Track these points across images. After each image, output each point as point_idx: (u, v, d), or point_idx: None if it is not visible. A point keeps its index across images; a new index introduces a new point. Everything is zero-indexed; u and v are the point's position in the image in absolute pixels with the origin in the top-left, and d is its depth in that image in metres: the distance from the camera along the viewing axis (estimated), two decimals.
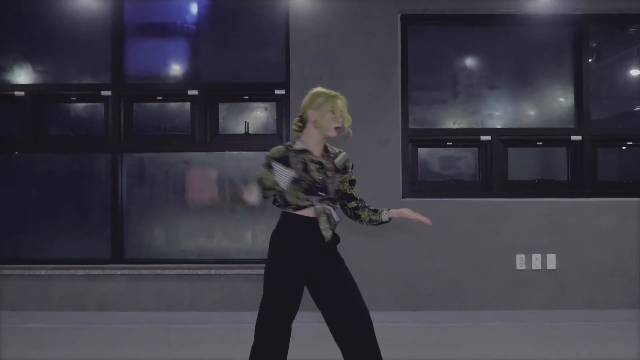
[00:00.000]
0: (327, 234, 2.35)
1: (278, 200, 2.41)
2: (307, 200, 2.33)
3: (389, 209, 2.45)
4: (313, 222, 2.36)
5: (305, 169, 2.35)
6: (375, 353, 2.37)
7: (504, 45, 4.59)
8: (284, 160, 2.37)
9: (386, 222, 2.46)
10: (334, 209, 2.41)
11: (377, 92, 4.33)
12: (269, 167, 2.39)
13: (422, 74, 4.56)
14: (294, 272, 2.35)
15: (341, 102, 2.42)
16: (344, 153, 2.50)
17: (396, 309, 4.27)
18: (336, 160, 2.44)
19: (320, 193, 2.36)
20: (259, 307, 2.39)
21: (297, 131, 2.46)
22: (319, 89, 2.47)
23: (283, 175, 2.36)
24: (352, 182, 2.49)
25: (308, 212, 2.35)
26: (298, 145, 2.40)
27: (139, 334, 4.05)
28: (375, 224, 2.47)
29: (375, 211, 2.45)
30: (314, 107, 2.41)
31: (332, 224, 2.38)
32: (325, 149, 2.46)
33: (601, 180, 4.50)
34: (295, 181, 2.33)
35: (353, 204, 2.48)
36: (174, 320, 4.27)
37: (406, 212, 2.45)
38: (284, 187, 2.35)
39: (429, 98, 4.60)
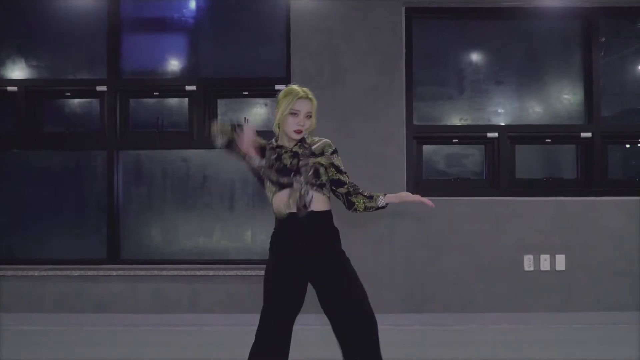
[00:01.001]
0: (286, 208, 2.29)
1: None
2: (281, 179, 2.30)
3: (385, 194, 2.35)
4: (301, 218, 2.30)
5: (278, 158, 2.33)
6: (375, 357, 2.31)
7: (511, 39, 4.49)
8: (262, 150, 2.37)
9: (382, 207, 2.36)
10: (313, 193, 2.32)
11: (381, 87, 4.22)
12: (263, 152, 2.41)
13: (427, 68, 4.46)
14: (290, 274, 2.31)
15: (305, 103, 2.32)
16: (324, 140, 2.41)
17: (400, 311, 4.18)
18: (314, 147, 2.36)
19: (292, 174, 2.30)
20: (259, 309, 2.35)
21: (276, 131, 2.43)
22: (290, 86, 2.40)
23: (255, 160, 2.36)
24: (337, 168, 2.38)
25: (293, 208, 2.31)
26: (275, 142, 2.41)
27: (136, 337, 3.97)
28: (371, 211, 2.38)
29: (370, 197, 2.35)
30: (277, 107, 2.37)
31: (302, 201, 2.28)
32: (303, 141, 2.38)
33: (611, 179, 4.40)
34: (269, 166, 2.33)
35: (343, 189, 2.37)
36: (171, 323, 4.18)
37: (405, 195, 2.35)
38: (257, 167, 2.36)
39: (434, 94, 4.50)
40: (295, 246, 2.32)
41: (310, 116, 2.35)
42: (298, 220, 2.29)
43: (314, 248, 2.32)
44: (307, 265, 2.32)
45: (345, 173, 2.40)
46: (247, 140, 2.30)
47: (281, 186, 2.32)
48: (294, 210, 2.29)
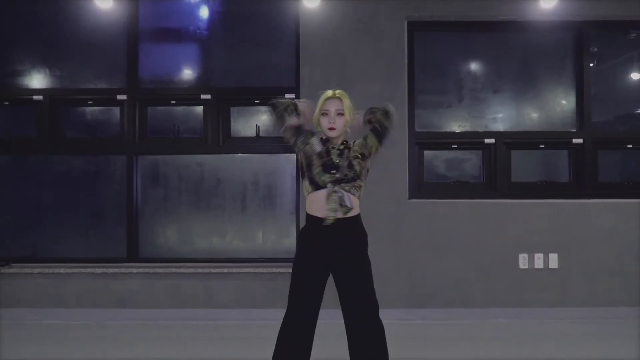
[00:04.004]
0: (330, 214, 2.43)
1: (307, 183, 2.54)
2: (323, 177, 2.47)
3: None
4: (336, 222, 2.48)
5: (327, 152, 2.50)
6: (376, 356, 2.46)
7: (508, 50, 4.69)
8: (317, 138, 2.56)
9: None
10: (350, 194, 2.46)
11: (385, 96, 4.40)
12: (309, 135, 2.56)
13: (428, 78, 4.65)
14: (311, 260, 2.48)
15: (334, 102, 2.50)
16: (360, 139, 2.59)
17: (404, 307, 4.37)
18: (354, 148, 2.55)
19: (332, 171, 2.47)
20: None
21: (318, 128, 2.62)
22: (325, 90, 2.61)
23: (316, 145, 2.53)
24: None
25: (324, 211, 2.47)
26: (323, 136, 2.58)
27: (155, 331, 4.14)
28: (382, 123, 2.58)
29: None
30: (315, 117, 2.58)
31: (343, 207, 2.44)
32: (345, 142, 2.58)
33: (602, 182, 4.60)
34: (318, 154, 2.50)
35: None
36: (188, 317, 4.37)
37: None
38: (315, 153, 2.51)
39: (435, 102, 4.70)
40: (324, 245, 2.48)
41: (342, 114, 2.52)
42: (333, 223, 2.46)
43: (341, 250, 2.48)
44: (330, 262, 2.49)
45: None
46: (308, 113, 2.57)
47: (317, 186, 2.48)
48: (339, 215, 2.45)
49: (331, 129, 2.50)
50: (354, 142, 2.60)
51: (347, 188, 2.47)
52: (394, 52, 4.46)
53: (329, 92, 2.55)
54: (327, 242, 2.48)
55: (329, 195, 2.45)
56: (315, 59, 4.45)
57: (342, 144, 2.57)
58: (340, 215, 2.45)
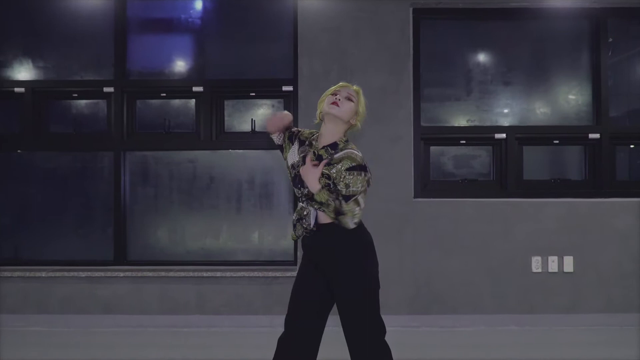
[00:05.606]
0: (293, 232, 2.36)
1: None
2: (295, 190, 2.35)
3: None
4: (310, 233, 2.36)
5: (304, 160, 2.30)
6: None
7: (519, 39, 4.49)
8: (302, 145, 2.37)
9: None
10: (317, 213, 2.25)
11: (389, 88, 4.23)
12: (291, 139, 2.41)
13: (435, 69, 4.46)
14: (305, 271, 2.38)
15: (348, 89, 2.33)
16: (349, 151, 2.23)
17: (408, 313, 4.19)
18: (336, 155, 2.25)
19: (299, 186, 2.31)
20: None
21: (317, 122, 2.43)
22: None
23: (292, 155, 2.38)
24: (346, 186, 2.20)
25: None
26: (316, 137, 2.37)
27: (143, 338, 3.99)
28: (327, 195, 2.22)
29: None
30: (321, 101, 2.39)
31: (304, 227, 2.29)
32: (335, 144, 2.28)
33: (620, 180, 4.40)
34: (292, 166, 2.36)
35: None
36: (179, 324, 4.19)
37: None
38: (289, 165, 2.39)
39: (442, 95, 4.50)
40: (308, 254, 2.37)
41: (351, 100, 2.29)
42: (308, 234, 2.32)
43: (321, 259, 2.31)
44: (319, 270, 2.33)
45: (349, 196, 2.18)
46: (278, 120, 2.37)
47: (299, 199, 2.35)
48: (292, 235, 2.37)
49: (334, 103, 2.26)
50: (343, 147, 2.27)
51: (316, 206, 2.24)
52: (398, 41, 4.25)
53: (346, 83, 2.39)
54: (313, 254, 2.34)
55: (298, 211, 2.35)
56: (314, 49, 4.24)
57: (326, 146, 2.29)
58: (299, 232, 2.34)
